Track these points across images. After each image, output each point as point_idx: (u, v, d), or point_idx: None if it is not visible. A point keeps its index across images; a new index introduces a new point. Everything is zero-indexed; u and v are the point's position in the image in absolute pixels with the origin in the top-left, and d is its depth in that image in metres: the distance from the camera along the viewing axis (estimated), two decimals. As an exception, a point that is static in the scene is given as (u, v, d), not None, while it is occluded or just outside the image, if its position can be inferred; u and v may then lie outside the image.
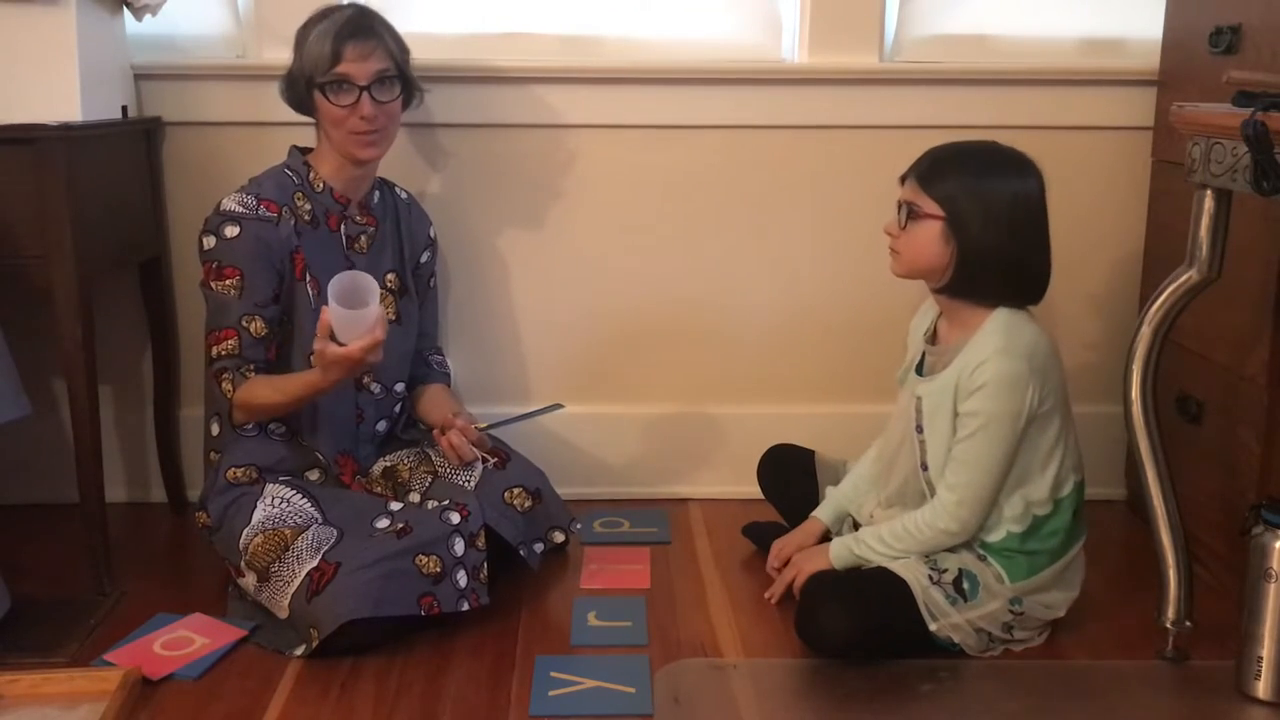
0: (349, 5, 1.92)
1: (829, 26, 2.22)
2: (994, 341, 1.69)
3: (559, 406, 2.04)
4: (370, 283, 1.69)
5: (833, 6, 2.21)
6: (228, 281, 1.83)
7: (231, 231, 1.83)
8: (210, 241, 1.85)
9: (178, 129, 2.21)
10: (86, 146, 1.88)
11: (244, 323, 1.83)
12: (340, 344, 1.68)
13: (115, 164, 2.03)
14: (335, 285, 1.67)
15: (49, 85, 1.85)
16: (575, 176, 2.27)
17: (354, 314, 1.67)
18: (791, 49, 2.29)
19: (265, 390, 1.83)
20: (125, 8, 2.03)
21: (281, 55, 2.05)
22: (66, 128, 1.82)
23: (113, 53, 2.04)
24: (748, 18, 2.30)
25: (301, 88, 1.88)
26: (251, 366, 1.85)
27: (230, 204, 1.85)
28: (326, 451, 1.93)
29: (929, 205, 1.70)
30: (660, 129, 2.26)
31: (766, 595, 1.91)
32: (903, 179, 1.76)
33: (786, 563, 1.89)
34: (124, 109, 2.08)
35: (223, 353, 1.83)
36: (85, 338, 1.85)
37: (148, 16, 2.06)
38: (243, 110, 2.18)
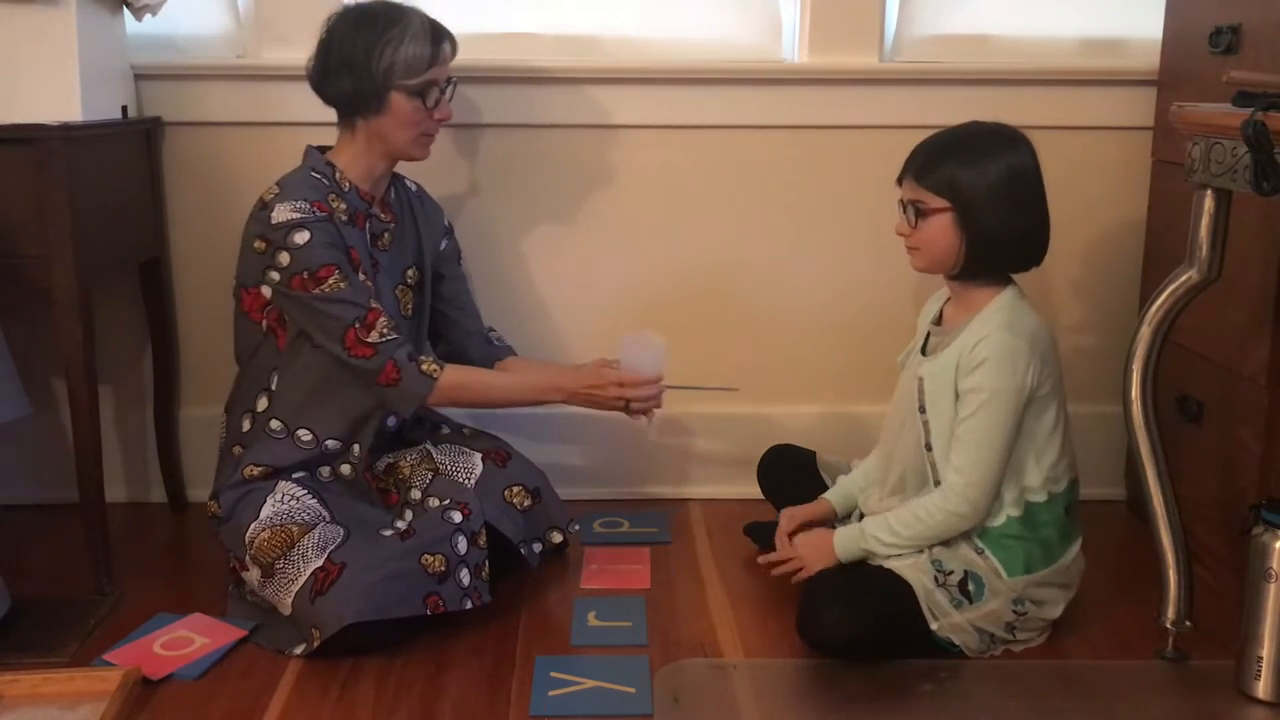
0: (406, 6, 1.88)
1: (829, 26, 2.22)
2: (997, 319, 1.72)
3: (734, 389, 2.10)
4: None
5: (833, 6, 2.21)
6: (330, 280, 1.78)
7: (301, 238, 1.78)
8: (285, 258, 1.79)
9: (178, 129, 2.21)
10: (86, 146, 1.88)
11: (374, 303, 1.82)
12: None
13: (115, 164, 2.03)
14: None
15: (49, 85, 1.85)
16: (573, 177, 2.27)
17: (655, 346, 1.93)
18: (791, 49, 2.29)
19: (494, 378, 1.96)
20: (125, 8, 2.03)
21: (282, 55, 2.06)
22: (66, 128, 1.82)
23: (113, 53, 2.04)
24: (748, 18, 2.30)
25: (376, 85, 1.83)
26: (411, 343, 1.86)
27: (285, 214, 1.78)
28: (349, 448, 1.92)
29: (933, 199, 1.71)
30: (660, 129, 2.26)
31: (761, 560, 1.90)
32: (899, 180, 1.77)
33: (793, 537, 1.87)
34: (124, 109, 2.08)
35: (385, 333, 1.80)
36: (85, 338, 1.85)
37: (148, 16, 2.06)
38: (243, 110, 2.18)
